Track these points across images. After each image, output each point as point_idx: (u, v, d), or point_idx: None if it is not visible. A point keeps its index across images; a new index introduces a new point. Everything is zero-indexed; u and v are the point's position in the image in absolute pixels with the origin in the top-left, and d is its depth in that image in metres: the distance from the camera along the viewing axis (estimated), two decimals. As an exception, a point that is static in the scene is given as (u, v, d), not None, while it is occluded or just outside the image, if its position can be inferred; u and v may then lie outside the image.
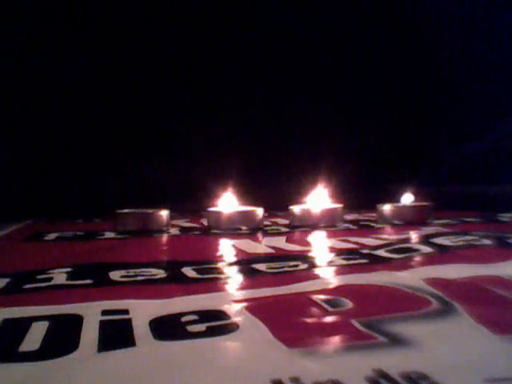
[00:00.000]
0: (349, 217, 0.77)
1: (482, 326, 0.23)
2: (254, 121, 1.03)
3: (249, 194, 0.72)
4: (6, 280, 0.35)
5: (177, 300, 0.29)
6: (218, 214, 0.65)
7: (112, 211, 0.67)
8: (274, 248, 0.49)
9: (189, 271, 0.37)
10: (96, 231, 0.65)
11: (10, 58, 0.90)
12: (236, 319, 0.25)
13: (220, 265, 0.40)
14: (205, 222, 0.70)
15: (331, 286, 0.32)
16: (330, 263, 0.40)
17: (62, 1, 0.93)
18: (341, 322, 0.24)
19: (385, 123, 1.07)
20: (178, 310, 0.26)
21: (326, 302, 0.28)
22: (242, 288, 0.32)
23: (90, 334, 0.23)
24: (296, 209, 0.68)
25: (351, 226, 0.67)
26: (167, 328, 0.24)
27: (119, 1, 0.95)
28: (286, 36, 1.02)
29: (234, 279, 0.35)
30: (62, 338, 0.23)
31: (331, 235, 0.58)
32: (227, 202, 0.67)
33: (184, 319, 0.25)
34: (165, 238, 0.61)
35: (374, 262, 0.40)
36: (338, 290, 0.30)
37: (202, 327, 0.24)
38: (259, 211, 0.66)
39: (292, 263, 0.40)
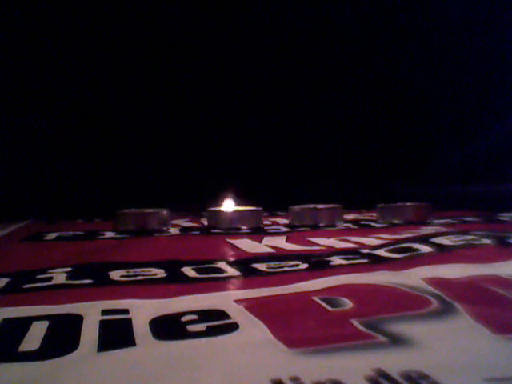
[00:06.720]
0: (349, 217, 0.77)
1: (481, 325, 0.23)
2: (253, 120, 1.03)
3: (249, 194, 0.72)
4: (6, 280, 0.35)
5: (177, 300, 0.29)
6: (218, 213, 0.65)
7: (112, 211, 0.67)
8: (274, 248, 0.49)
9: (189, 271, 0.37)
10: (96, 231, 0.65)
11: (9, 56, 0.90)
12: (236, 319, 0.25)
13: (220, 265, 0.40)
14: (205, 221, 0.70)
15: (331, 286, 0.32)
16: (330, 263, 0.40)
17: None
18: (341, 321, 0.24)
19: (385, 123, 1.07)
20: (178, 310, 0.26)
21: (326, 301, 0.28)
22: (242, 288, 0.32)
23: (90, 333, 0.23)
24: (296, 209, 0.68)
25: (351, 226, 0.67)
26: (167, 328, 0.24)
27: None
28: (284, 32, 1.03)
29: (233, 279, 0.35)
30: (62, 337, 0.23)
31: (331, 235, 0.58)
32: (227, 202, 0.67)
33: (184, 319, 0.25)
34: (165, 237, 0.61)
35: (374, 262, 0.40)
36: (338, 290, 0.30)
37: (202, 327, 0.24)
38: (259, 211, 0.66)
39: (292, 263, 0.40)
